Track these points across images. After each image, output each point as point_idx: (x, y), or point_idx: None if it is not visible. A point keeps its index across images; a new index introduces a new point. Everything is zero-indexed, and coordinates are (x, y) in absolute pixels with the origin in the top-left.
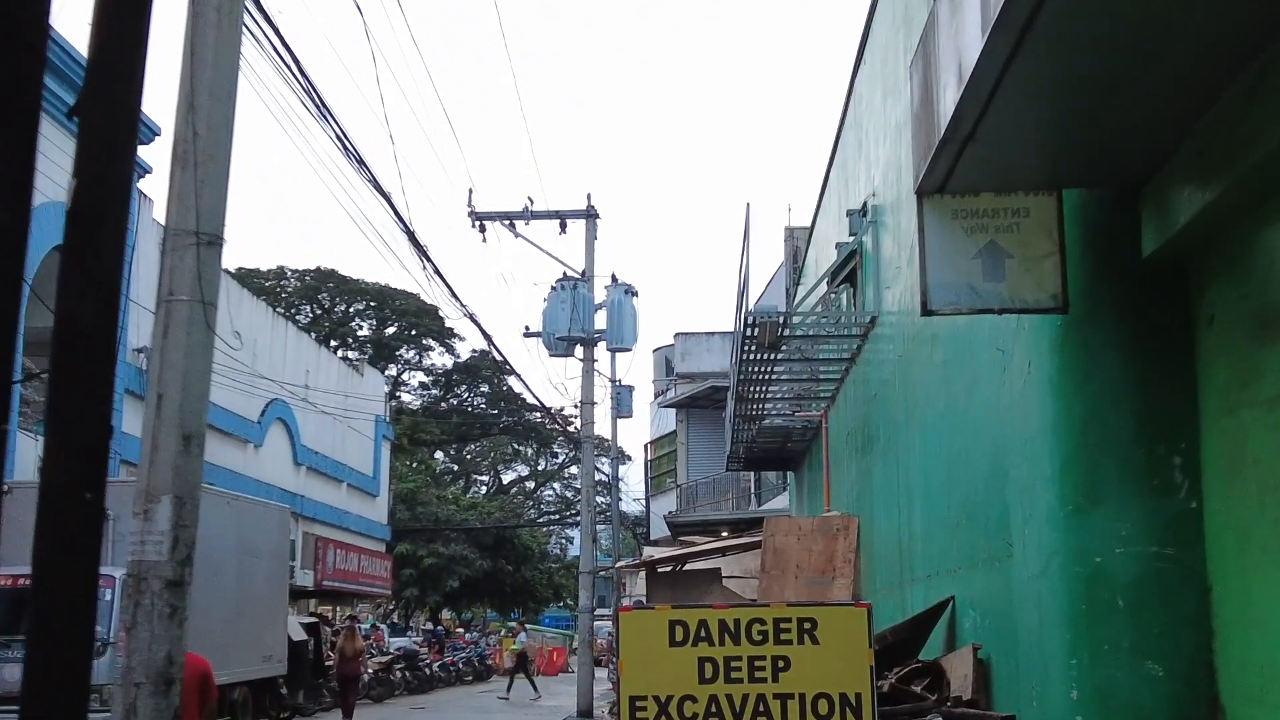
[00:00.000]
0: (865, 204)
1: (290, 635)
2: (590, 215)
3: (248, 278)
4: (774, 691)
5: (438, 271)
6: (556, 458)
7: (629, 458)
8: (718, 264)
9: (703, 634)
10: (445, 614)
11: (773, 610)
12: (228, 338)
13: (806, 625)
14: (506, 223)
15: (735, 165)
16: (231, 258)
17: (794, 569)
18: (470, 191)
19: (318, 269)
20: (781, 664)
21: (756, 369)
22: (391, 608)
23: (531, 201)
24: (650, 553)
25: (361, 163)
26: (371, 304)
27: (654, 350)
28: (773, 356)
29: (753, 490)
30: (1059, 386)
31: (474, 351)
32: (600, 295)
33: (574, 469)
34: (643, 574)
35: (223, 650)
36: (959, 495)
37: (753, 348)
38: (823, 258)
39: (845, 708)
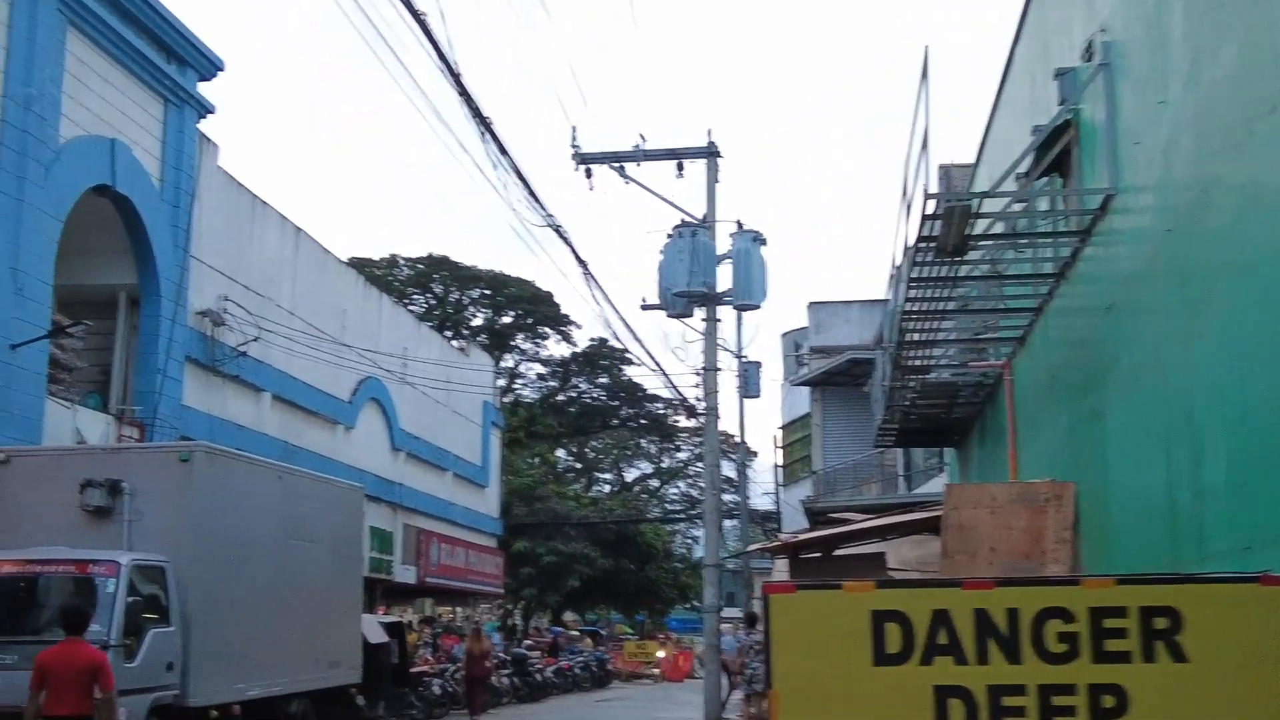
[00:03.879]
0: (1090, 46)
1: (367, 637)
2: (711, 154)
3: (360, 266)
4: None
5: (500, 148)
6: (680, 452)
7: (754, 453)
8: (854, 228)
9: (943, 638)
10: (568, 615)
11: (1089, 592)
12: None
13: (1160, 622)
14: (615, 166)
15: (878, 113)
16: (343, 247)
17: (986, 551)
18: (574, 130)
19: (429, 256)
20: (1110, 702)
21: (930, 292)
22: (511, 608)
23: (644, 139)
24: (789, 534)
25: None
26: (485, 291)
27: (783, 335)
28: (953, 273)
29: (901, 473)
30: None
31: (591, 340)
32: (723, 247)
33: (699, 466)
34: (780, 564)
35: (270, 655)
36: None
37: (929, 255)
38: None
39: None
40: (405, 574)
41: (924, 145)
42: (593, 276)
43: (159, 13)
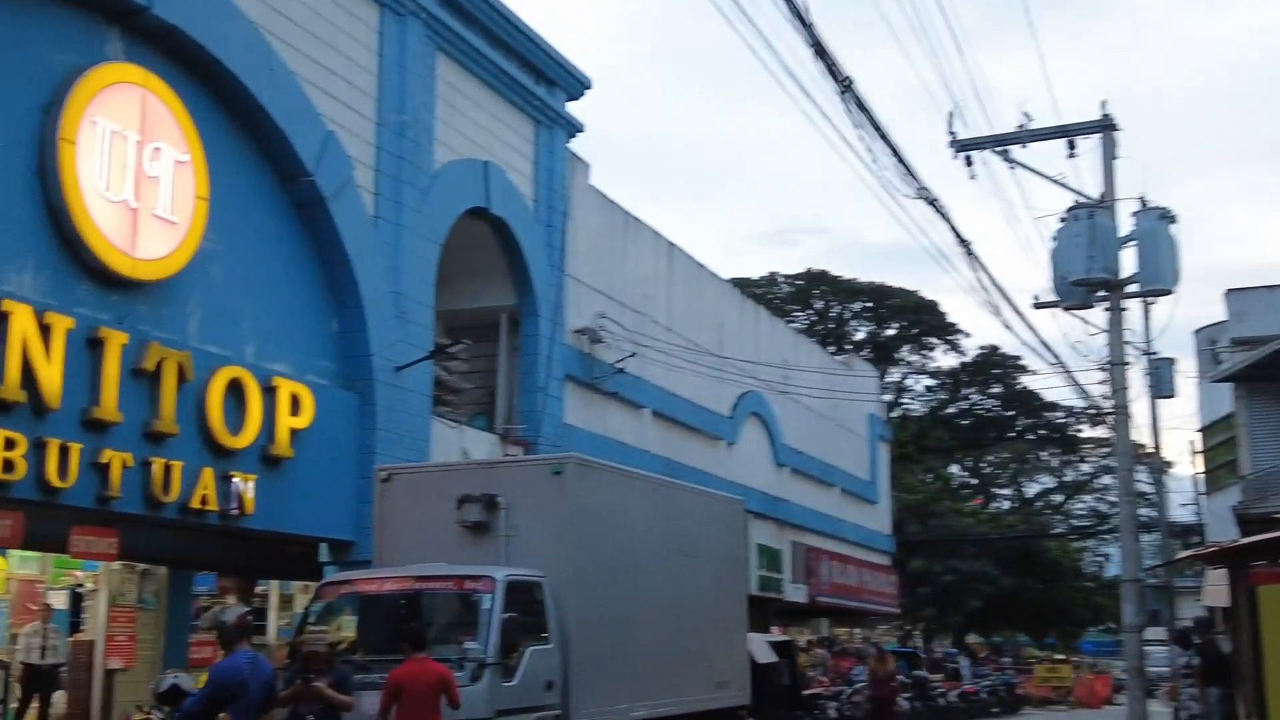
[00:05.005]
0: None
1: (755, 657)
2: (1107, 127)
3: (739, 286)
4: None
5: (861, 106)
6: (1084, 464)
7: (1169, 464)
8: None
9: None
10: (971, 637)
11: None
12: None
13: None
14: (998, 150)
15: None
16: (721, 267)
17: None
18: (950, 115)
19: (808, 271)
20: None
21: None
22: (909, 629)
23: (1028, 118)
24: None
25: None
26: (867, 304)
27: (1195, 331)
28: None
29: None
30: None
31: (981, 349)
32: (1124, 229)
33: (1107, 479)
34: (1214, 575)
35: (654, 674)
36: None
37: None
38: None
39: None
40: (796, 593)
41: None
42: (977, 258)
43: (527, 35)
